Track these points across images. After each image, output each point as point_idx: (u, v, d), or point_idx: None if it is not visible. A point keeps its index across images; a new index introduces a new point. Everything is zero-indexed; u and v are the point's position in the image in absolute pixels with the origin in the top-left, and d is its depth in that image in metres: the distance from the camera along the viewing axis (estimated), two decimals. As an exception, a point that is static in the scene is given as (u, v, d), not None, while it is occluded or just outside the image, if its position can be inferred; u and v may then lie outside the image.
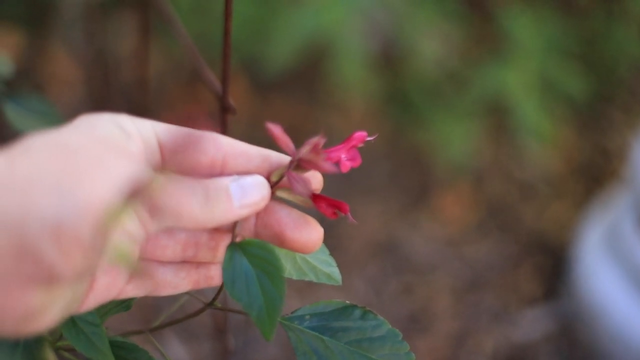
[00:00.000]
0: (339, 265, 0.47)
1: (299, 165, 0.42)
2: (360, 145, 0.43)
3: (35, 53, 1.59)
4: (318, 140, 0.42)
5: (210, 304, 0.47)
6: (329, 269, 0.48)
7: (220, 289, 0.46)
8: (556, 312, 1.32)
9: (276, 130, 0.42)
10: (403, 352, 0.44)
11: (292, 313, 0.45)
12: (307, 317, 0.45)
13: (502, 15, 1.28)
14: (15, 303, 0.36)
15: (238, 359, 1.21)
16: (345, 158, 0.43)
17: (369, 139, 0.43)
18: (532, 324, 1.30)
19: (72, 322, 0.46)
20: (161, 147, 0.42)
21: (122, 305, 0.48)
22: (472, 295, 1.33)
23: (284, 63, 1.36)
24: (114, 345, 0.48)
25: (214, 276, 0.46)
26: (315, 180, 0.43)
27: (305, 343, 0.44)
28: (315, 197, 0.42)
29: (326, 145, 0.42)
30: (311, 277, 0.48)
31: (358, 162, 0.43)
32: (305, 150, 0.42)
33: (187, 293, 0.48)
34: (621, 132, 1.58)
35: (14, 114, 0.63)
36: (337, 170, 0.42)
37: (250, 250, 0.42)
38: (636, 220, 1.20)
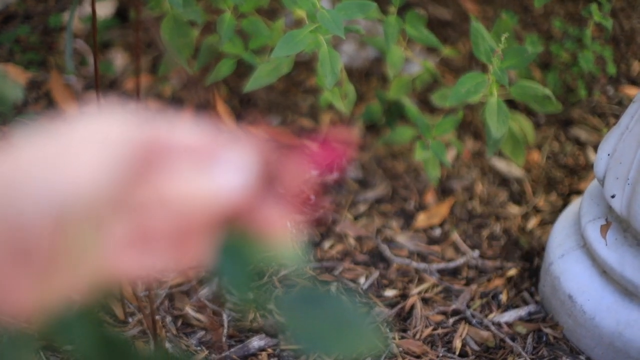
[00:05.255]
0: (327, 281, 0.50)
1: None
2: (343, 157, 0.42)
3: (38, 89, 1.65)
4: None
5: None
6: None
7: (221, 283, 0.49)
8: (528, 316, 1.39)
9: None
10: (377, 325, 0.47)
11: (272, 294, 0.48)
12: (292, 293, 0.47)
13: (472, 31, 1.32)
14: None
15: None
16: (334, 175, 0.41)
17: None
18: (504, 327, 1.36)
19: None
20: (154, 141, 0.42)
21: None
22: (447, 303, 1.39)
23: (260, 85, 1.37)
24: (108, 342, 0.49)
25: (190, 258, 0.45)
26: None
27: (290, 317, 0.46)
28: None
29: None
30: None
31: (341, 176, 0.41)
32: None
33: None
34: (586, 150, 1.66)
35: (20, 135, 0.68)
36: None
37: (233, 232, 0.43)
38: (600, 228, 1.28)
